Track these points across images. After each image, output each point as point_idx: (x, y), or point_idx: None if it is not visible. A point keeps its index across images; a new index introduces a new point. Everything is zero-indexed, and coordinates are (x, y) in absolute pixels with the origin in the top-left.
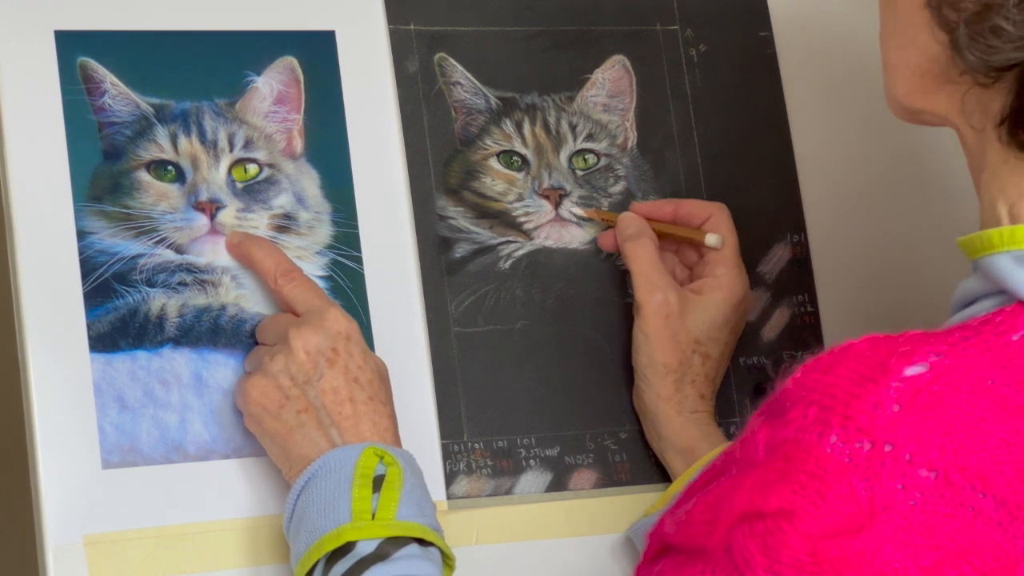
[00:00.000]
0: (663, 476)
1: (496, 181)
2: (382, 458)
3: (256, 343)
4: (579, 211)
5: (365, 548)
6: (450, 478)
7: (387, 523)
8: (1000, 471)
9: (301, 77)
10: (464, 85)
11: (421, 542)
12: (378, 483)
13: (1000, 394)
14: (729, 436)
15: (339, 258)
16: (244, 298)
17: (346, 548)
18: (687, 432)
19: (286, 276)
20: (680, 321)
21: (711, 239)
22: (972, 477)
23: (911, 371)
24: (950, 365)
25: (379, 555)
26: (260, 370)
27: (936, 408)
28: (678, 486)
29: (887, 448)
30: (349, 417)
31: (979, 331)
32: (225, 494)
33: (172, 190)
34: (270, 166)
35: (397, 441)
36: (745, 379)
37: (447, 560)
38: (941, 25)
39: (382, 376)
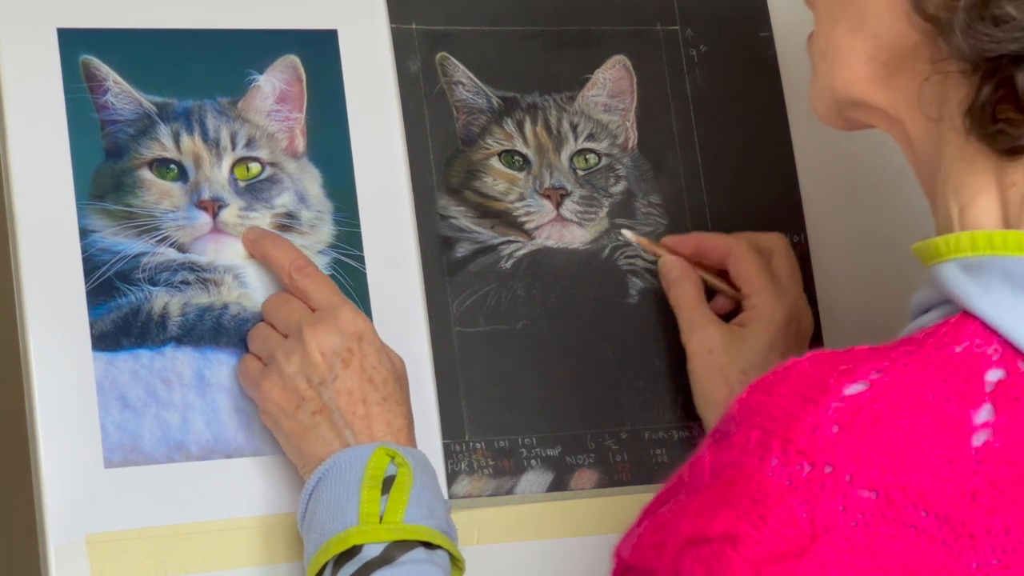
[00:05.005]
0: (664, 476)
1: (497, 181)
2: (393, 458)
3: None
4: (629, 235)
5: (371, 551)
6: (451, 478)
7: (394, 526)
8: (942, 489)
9: (303, 76)
10: (466, 84)
11: (429, 545)
12: (388, 484)
13: (941, 409)
14: None
15: (341, 257)
16: (246, 297)
17: (353, 551)
18: None
19: (300, 271)
20: (725, 356)
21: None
22: (913, 496)
23: (850, 390)
24: (890, 382)
25: (385, 559)
26: (277, 370)
27: (876, 427)
28: None
29: (827, 470)
30: (363, 418)
31: (922, 344)
32: (227, 493)
33: (174, 188)
34: (272, 165)
35: (412, 441)
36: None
37: (456, 562)
38: (918, 10)
39: (397, 375)
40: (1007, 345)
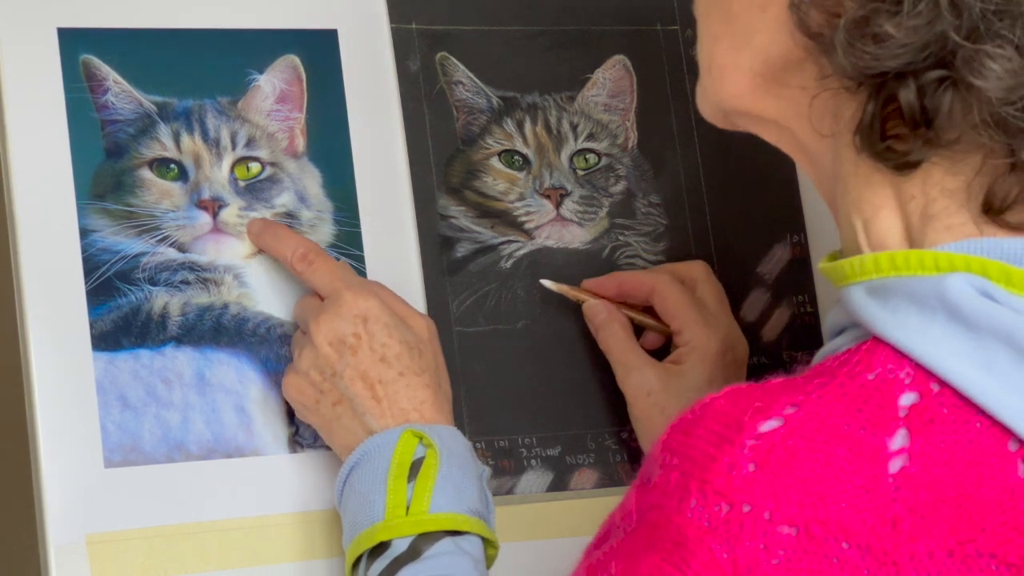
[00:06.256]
0: None
1: (497, 180)
2: (421, 439)
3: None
4: (549, 284)
5: (399, 546)
6: None
7: (419, 519)
8: (862, 519)
9: (303, 76)
10: (466, 84)
11: (457, 532)
12: (415, 469)
13: (856, 439)
14: None
15: (341, 257)
16: (246, 296)
17: (382, 547)
18: None
19: (302, 261)
20: (665, 396)
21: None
22: (834, 528)
23: (765, 427)
24: (805, 416)
25: (411, 554)
26: (292, 368)
27: (792, 462)
28: None
29: (745, 509)
30: (382, 400)
31: (835, 375)
32: (227, 493)
33: (175, 188)
34: (272, 165)
35: (439, 410)
36: (745, 381)
37: (489, 541)
38: (801, 27)
39: (414, 343)
40: (919, 368)
